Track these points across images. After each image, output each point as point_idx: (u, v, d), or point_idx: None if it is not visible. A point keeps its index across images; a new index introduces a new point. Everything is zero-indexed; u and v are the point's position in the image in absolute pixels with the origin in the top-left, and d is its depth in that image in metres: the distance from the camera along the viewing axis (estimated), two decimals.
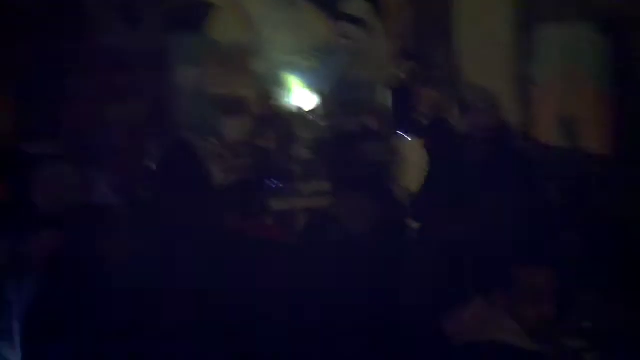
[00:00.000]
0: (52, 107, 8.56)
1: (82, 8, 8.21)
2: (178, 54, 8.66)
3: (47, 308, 2.33)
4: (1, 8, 7.49)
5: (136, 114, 8.49)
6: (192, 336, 2.58)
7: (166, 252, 2.97)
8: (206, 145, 7.99)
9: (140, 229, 3.03)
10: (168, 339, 2.51)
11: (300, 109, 8.90)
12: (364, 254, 3.01)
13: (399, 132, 6.54)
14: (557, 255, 3.16)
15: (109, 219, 2.52)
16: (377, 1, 9.12)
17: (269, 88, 8.28)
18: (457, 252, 3.71)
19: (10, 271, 2.70)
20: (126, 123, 8.47)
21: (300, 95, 8.95)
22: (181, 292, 2.72)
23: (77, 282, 2.33)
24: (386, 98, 6.84)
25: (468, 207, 3.83)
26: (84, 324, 2.28)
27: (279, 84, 8.98)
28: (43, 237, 2.65)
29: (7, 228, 3.47)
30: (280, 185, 6.20)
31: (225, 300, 2.73)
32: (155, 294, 2.55)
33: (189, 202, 3.54)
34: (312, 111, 8.89)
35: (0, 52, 7.98)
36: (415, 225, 4.29)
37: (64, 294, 2.32)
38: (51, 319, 2.31)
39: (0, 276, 2.78)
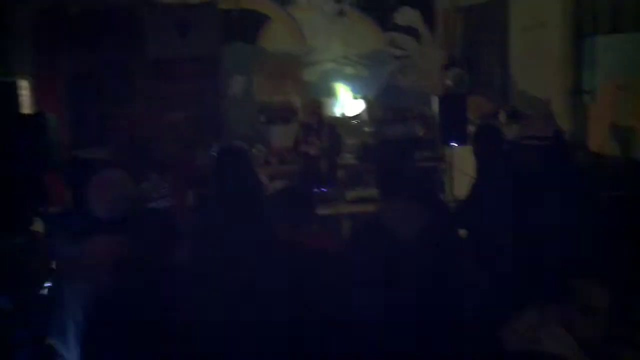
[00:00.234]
0: (104, 115, 8.80)
1: (135, 18, 8.42)
2: (229, 63, 8.81)
3: (108, 311, 2.37)
4: (54, 21, 7.74)
5: (187, 121, 8.65)
6: (247, 340, 2.59)
7: (217, 257, 3.00)
8: (254, 152, 8.09)
9: (194, 236, 3.06)
10: (221, 343, 2.53)
11: (347, 115, 8.93)
12: (412, 262, 2.99)
13: (446, 139, 6.48)
14: (612, 269, 3.09)
15: (167, 224, 2.55)
16: (428, 10, 9.11)
17: (315, 96, 8.32)
18: (507, 261, 3.66)
19: (67, 273, 2.75)
20: (177, 130, 8.64)
21: (347, 102, 8.97)
22: (231, 298, 2.74)
23: (136, 286, 2.36)
24: (434, 105, 6.79)
25: (519, 217, 3.76)
26: (143, 326, 2.31)
27: (327, 91, 9.04)
28: (100, 242, 2.69)
29: (66, 232, 3.58)
30: (326, 191, 6.21)
31: (275, 308, 2.73)
32: (208, 300, 2.56)
33: (241, 209, 3.58)
34: (358, 117, 8.90)
35: (55, 60, 8.25)
36: (463, 233, 4.24)
37: (123, 298, 2.36)
38: (111, 321, 2.35)
39: (57, 276, 2.85)
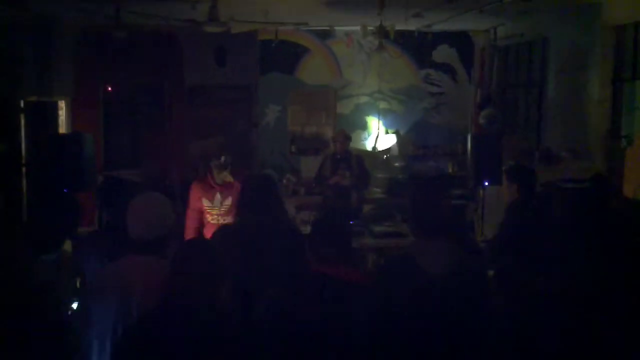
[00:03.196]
0: (139, 138, 8.93)
1: (175, 45, 8.58)
2: (265, 92, 8.90)
3: (137, 333, 2.36)
4: (96, 44, 7.92)
5: (219, 147, 8.71)
6: None
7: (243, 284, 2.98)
8: (284, 182, 8.12)
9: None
10: None
11: (378, 149, 8.94)
12: (442, 298, 2.94)
13: (479, 178, 6.42)
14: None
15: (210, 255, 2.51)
16: (465, 48, 9.13)
17: (344, 128, 8.35)
18: (534, 303, 3.57)
19: (96, 293, 2.75)
20: (209, 156, 8.69)
21: (379, 136, 8.99)
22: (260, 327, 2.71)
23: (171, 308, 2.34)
24: (468, 144, 6.74)
25: (548, 258, 3.69)
26: (173, 351, 2.28)
27: (360, 125, 9.07)
28: (134, 262, 2.69)
29: (95, 252, 3.60)
30: (353, 224, 6.13)
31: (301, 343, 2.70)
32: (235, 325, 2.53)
33: (267, 239, 3.57)
34: (389, 151, 8.90)
35: (94, 82, 8.43)
36: (491, 272, 4.17)
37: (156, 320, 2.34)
38: (140, 344, 2.33)
39: (85, 296, 2.85)
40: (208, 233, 4.99)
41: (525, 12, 6.94)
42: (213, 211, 5.12)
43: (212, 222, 5.11)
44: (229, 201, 5.07)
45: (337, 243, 2.93)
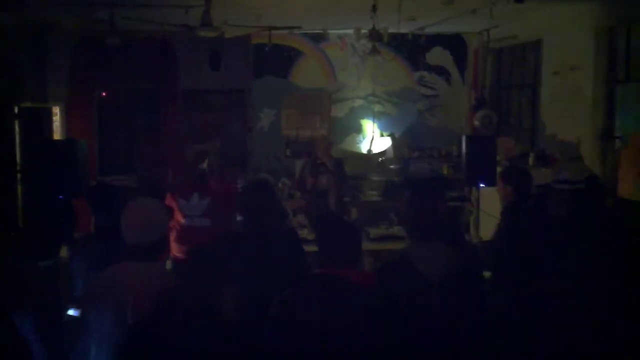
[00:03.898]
0: (133, 143, 8.92)
1: (169, 50, 8.58)
2: (259, 96, 8.89)
3: (132, 338, 2.35)
4: (90, 50, 7.92)
5: (214, 151, 8.71)
6: None
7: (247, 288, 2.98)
8: (280, 185, 8.12)
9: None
10: None
11: (373, 152, 8.94)
12: (438, 300, 2.95)
13: (474, 180, 6.44)
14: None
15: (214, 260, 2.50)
16: (459, 50, 9.15)
17: (325, 134, 8.38)
18: (530, 304, 3.59)
19: (92, 299, 2.75)
20: (204, 160, 8.69)
21: (374, 139, 8.99)
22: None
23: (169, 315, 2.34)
24: (462, 145, 6.76)
25: (545, 261, 3.71)
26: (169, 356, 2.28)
27: (355, 128, 9.07)
28: (129, 267, 2.69)
29: (90, 258, 3.59)
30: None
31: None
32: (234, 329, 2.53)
33: (269, 243, 3.58)
34: (384, 154, 8.91)
35: (89, 88, 8.42)
36: (488, 275, 4.18)
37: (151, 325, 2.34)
38: (136, 350, 2.32)
39: (81, 301, 2.85)
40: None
41: (518, 14, 6.96)
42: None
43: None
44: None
45: (349, 245, 2.93)
